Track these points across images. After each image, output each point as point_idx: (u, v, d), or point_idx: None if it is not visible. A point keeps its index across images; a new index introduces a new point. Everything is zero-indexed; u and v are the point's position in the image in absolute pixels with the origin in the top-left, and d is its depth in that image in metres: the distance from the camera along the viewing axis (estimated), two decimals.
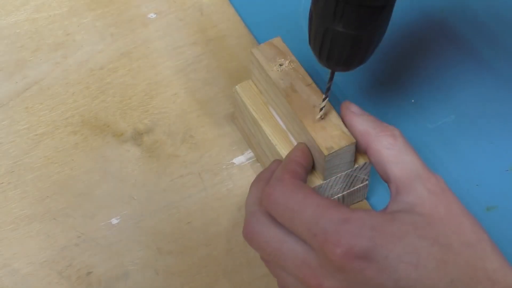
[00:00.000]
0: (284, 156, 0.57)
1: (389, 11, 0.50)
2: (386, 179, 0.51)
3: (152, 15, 0.72)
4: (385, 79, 0.67)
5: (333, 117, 0.56)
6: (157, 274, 0.58)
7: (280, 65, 0.58)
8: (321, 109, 0.55)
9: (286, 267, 0.49)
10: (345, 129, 0.55)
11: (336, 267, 0.46)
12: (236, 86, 0.62)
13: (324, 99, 0.55)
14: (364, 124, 0.53)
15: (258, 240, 0.50)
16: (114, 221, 0.61)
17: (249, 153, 0.64)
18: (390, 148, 0.51)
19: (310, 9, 0.51)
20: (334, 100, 0.64)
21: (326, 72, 0.54)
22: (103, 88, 0.67)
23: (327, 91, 0.54)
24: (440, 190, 0.49)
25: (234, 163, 0.63)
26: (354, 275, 0.46)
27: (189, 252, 0.59)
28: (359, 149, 0.55)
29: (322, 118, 0.55)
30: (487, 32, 0.70)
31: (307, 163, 0.55)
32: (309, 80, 0.58)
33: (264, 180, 0.54)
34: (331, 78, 0.54)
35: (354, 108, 0.54)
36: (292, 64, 0.58)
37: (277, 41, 0.60)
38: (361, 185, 0.59)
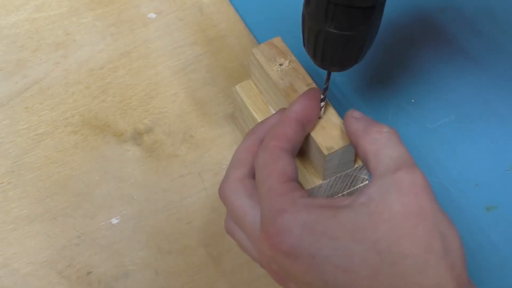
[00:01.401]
0: None
1: (380, 10, 0.50)
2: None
3: (152, 15, 0.72)
4: (385, 79, 0.67)
5: (333, 117, 0.55)
6: (157, 274, 0.58)
7: (280, 65, 0.58)
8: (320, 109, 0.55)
9: (246, 235, 0.51)
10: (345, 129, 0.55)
11: (268, 256, 0.47)
12: (236, 86, 0.62)
13: (322, 100, 0.55)
14: (356, 124, 0.51)
15: (226, 203, 0.52)
16: (114, 221, 0.61)
17: None
18: (373, 143, 0.49)
19: (303, 11, 0.51)
20: (334, 100, 0.64)
21: (326, 72, 0.54)
22: (103, 88, 0.67)
23: (324, 91, 0.54)
24: (410, 186, 0.45)
25: None
26: (285, 268, 0.46)
27: (189, 252, 0.59)
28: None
29: (320, 117, 0.55)
30: (487, 33, 0.70)
31: (296, 136, 0.54)
32: (309, 80, 0.58)
33: (256, 135, 0.54)
34: (328, 79, 0.54)
35: (355, 113, 0.52)
36: (292, 64, 0.58)
37: (277, 41, 0.60)
38: (361, 185, 0.59)
